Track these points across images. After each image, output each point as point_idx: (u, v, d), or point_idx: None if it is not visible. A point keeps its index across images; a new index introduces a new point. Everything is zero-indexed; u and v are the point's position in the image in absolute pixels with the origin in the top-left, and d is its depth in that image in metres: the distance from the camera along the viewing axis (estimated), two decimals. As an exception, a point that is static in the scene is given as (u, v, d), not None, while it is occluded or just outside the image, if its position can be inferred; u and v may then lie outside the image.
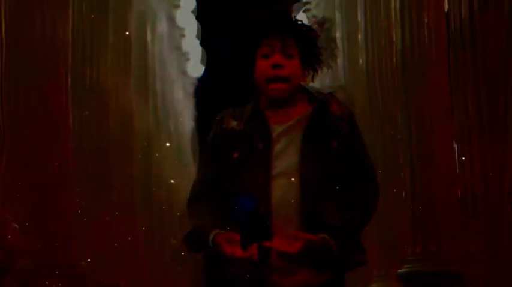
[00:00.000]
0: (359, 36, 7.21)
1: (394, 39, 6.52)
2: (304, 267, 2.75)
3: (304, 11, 10.39)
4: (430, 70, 6.30)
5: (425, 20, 6.35)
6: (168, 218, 11.38)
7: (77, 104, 6.56)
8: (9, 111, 5.60)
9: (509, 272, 4.96)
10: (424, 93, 6.32)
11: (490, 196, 5.07)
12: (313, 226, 2.76)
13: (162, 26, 12.61)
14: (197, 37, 15.52)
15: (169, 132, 12.93)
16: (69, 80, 6.06)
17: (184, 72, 15.46)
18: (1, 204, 5.36)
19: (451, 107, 5.58)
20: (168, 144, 12.35)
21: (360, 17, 7.12)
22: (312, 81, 2.95)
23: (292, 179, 2.81)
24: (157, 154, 10.98)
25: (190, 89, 16.09)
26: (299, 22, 2.90)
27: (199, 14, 14.88)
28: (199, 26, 15.36)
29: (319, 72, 2.93)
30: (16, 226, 5.03)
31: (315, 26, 2.92)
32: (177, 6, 14.03)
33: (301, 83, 2.88)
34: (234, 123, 2.90)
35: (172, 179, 12.13)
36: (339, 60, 7.70)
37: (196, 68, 16.15)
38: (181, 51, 14.93)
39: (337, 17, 8.09)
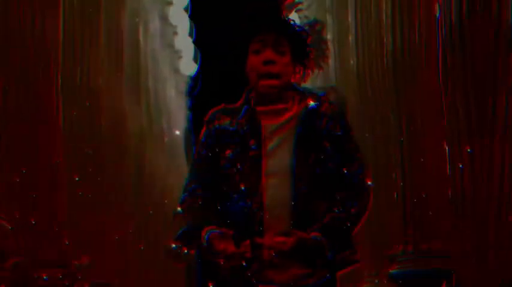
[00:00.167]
0: (350, 38, 7.28)
1: (385, 41, 6.57)
2: (296, 264, 2.78)
3: (296, 11, 10.43)
4: (421, 72, 6.37)
5: (416, 24, 6.41)
6: (162, 218, 11.38)
7: (68, 102, 6.56)
8: (-1, 110, 5.61)
9: (497, 271, 5.03)
10: (414, 94, 6.38)
11: (479, 197, 5.15)
12: (305, 225, 2.81)
13: (155, 24, 12.60)
14: (190, 35, 15.52)
15: (162, 131, 12.93)
16: (60, 78, 6.07)
17: (176, 70, 15.45)
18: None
19: (441, 108, 5.64)
20: (166, 139, 12.37)
21: (350, 19, 7.20)
22: (304, 81, 2.96)
23: (285, 178, 2.83)
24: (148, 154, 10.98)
25: (183, 87, 16.08)
26: (291, 20, 2.93)
27: (192, 11, 14.87)
28: (192, 24, 15.35)
29: (310, 72, 2.94)
30: (7, 225, 5.05)
31: (306, 27, 2.94)
32: (170, 4, 14.02)
33: (293, 82, 2.90)
34: (226, 121, 2.92)
35: (165, 178, 12.14)
36: (331, 62, 7.76)
37: (188, 66, 16.14)
38: (173, 49, 14.91)
39: (328, 18, 8.16)
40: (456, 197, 5.26)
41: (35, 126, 5.80)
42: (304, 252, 2.76)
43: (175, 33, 14.73)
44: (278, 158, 2.88)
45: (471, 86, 5.23)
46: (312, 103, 2.91)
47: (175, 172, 12.87)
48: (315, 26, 2.99)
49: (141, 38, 10.96)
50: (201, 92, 15.18)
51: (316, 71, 3.00)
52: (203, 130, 3.01)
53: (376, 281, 6.97)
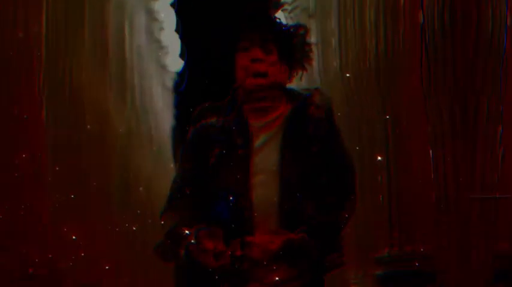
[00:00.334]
0: (333, 42, 7.38)
1: (368, 46, 6.69)
2: (283, 264, 2.80)
3: (282, 10, 10.55)
4: (404, 76, 6.47)
5: (401, 29, 6.53)
6: (150, 217, 11.35)
7: (51, 100, 6.50)
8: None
9: (480, 272, 5.21)
10: (399, 97, 6.50)
11: (461, 198, 5.36)
12: (293, 224, 2.82)
13: (141, 19, 12.57)
14: (176, 30, 15.50)
15: (148, 128, 12.90)
16: (42, 74, 6.01)
17: (163, 66, 15.44)
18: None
19: (425, 112, 5.84)
20: (152, 136, 12.35)
21: (334, 24, 7.31)
22: (290, 81, 3.01)
23: (272, 176, 2.86)
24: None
25: (170, 84, 16.08)
26: (277, 19, 2.97)
27: (179, 6, 14.85)
28: (178, 20, 15.33)
29: (295, 73, 2.99)
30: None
31: (291, 29, 3.00)
32: (156, -2, 14.00)
33: (280, 81, 2.94)
34: (212, 119, 2.96)
35: (152, 176, 12.12)
36: (315, 64, 7.90)
37: (175, 62, 16.12)
38: (160, 44, 14.90)
39: (312, 23, 8.26)
40: (439, 198, 5.45)
41: (17, 123, 5.74)
42: (292, 252, 2.78)
43: (162, 28, 14.70)
44: (265, 157, 2.94)
45: (453, 90, 5.43)
46: (299, 104, 2.97)
47: (162, 169, 12.85)
48: (299, 30, 3.05)
49: (126, 33, 10.91)
50: (186, 89, 15.15)
51: (300, 72, 3.02)
52: (190, 128, 3.04)
53: (362, 283, 7.10)
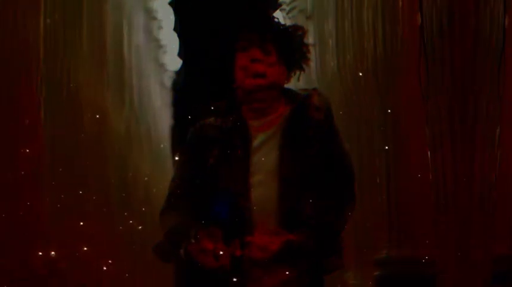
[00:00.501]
0: (330, 44, 7.39)
1: (366, 47, 6.70)
2: (282, 265, 2.84)
3: (280, 10, 10.57)
4: (403, 77, 6.49)
5: (399, 30, 6.55)
6: (149, 217, 11.36)
7: (49, 100, 6.52)
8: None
9: (479, 273, 5.23)
10: (398, 98, 6.50)
11: (461, 200, 5.37)
12: (292, 224, 2.85)
13: (139, 18, 12.58)
14: (175, 29, 15.49)
15: (148, 128, 12.90)
16: (40, 75, 6.03)
17: (161, 65, 15.44)
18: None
19: (424, 113, 5.86)
20: (151, 136, 12.35)
21: (331, 26, 7.33)
22: (288, 81, 3.01)
23: (271, 176, 2.87)
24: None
25: (168, 83, 16.07)
26: (276, 18, 2.98)
27: (177, 5, 14.84)
28: (177, 18, 15.32)
29: (293, 74, 3.00)
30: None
31: (290, 30, 3.00)
32: (154, -3, 14.00)
33: (279, 82, 2.94)
34: (211, 119, 2.96)
35: (151, 176, 12.12)
36: (312, 64, 7.92)
37: (174, 61, 16.11)
38: (158, 43, 14.89)
39: (309, 24, 8.28)
40: (438, 200, 5.46)
41: (16, 125, 5.76)
42: (292, 253, 2.80)
43: (161, 27, 14.70)
44: (264, 156, 2.93)
45: (452, 90, 5.44)
46: (298, 104, 2.98)
47: (161, 169, 12.85)
48: (297, 31, 3.07)
49: (125, 33, 10.92)
50: (185, 88, 15.14)
51: (298, 72, 3.05)
52: (188, 128, 3.06)
53: (361, 284, 7.11)
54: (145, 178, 11.86)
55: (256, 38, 2.90)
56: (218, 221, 2.82)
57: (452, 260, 5.35)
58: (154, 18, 14.14)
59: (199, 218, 2.87)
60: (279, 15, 10.13)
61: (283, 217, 2.84)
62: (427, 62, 5.53)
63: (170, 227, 2.88)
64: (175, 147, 13.58)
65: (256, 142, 2.92)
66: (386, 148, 6.52)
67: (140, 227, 9.55)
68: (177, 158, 3.04)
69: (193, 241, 2.80)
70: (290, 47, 2.96)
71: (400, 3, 6.43)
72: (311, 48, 3.09)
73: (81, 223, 6.95)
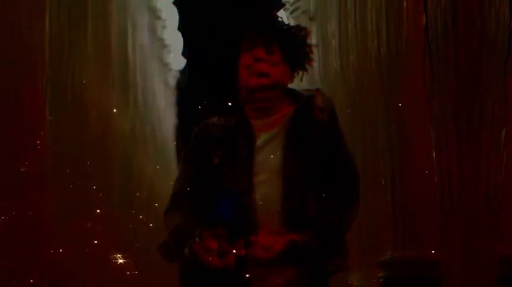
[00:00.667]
0: (333, 44, 7.40)
1: (370, 47, 6.69)
2: (287, 265, 2.80)
3: (284, 10, 10.57)
4: (407, 77, 6.48)
5: (404, 31, 6.55)
6: (153, 217, 11.37)
7: (54, 100, 6.55)
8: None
9: (485, 274, 5.22)
10: (402, 98, 6.49)
11: (466, 201, 5.36)
12: (296, 224, 2.84)
13: (143, 18, 12.59)
14: (179, 28, 15.50)
15: (152, 128, 12.91)
16: (45, 75, 6.05)
17: (166, 65, 15.44)
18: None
19: (429, 114, 5.85)
20: (156, 135, 12.33)
21: (334, 27, 7.34)
22: (291, 81, 3.01)
23: (275, 176, 2.87)
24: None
25: (172, 82, 16.07)
26: (280, 17, 2.98)
27: (181, 4, 14.85)
28: (181, 18, 15.33)
29: (296, 74, 3.00)
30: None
31: (293, 30, 3.01)
32: (159, -4, 14.01)
33: (283, 82, 2.95)
34: (214, 118, 2.97)
35: (155, 176, 12.13)
36: (315, 65, 7.92)
37: (178, 60, 16.12)
38: (163, 42, 14.90)
39: (313, 25, 8.29)
40: (444, 201, 5.46)
41: (20, 125, 5.79)
42: (296, 253, 2.82)
43: (165, 27, 14.71)
44: (267, 156, 2.94)
45: (457, 91, 5.44)
46: (302, 105, 2.98)
47: (165, 169, 12.86)
48: (300, 32, 3.07)
49: (129, 33, 10.94)
50: (189, 87, 15.16)
51: (301, 73, 3.06)
52: (192, 128, 3.06)
53: (366, 286, 7.10)
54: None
55: (260, 38, 2.92)
56: (222, 221, 2.83)
57: (457, 261, 5.34)
58: (159, 18, 14.15)
59: (204, 218, 2.87)
60: (282, 14, 10.15)
61: (287, 217, 2.86)
62: (432, 62, 5.55)
63: (174, 227, 2.89)
64: (180, 146, 13.60)
65: (259, 142, 2.93)
66: (387, 141, 6.49)
67: (151, 225, 9.56)
68: (181, 158, 3.06)
69: (197, 240, 2.81)
70: (294, 46, 2.97)
71: (405, 3, 6.45)
72: (314, 49, 3.09)
73: (89, 224, 6.98)
